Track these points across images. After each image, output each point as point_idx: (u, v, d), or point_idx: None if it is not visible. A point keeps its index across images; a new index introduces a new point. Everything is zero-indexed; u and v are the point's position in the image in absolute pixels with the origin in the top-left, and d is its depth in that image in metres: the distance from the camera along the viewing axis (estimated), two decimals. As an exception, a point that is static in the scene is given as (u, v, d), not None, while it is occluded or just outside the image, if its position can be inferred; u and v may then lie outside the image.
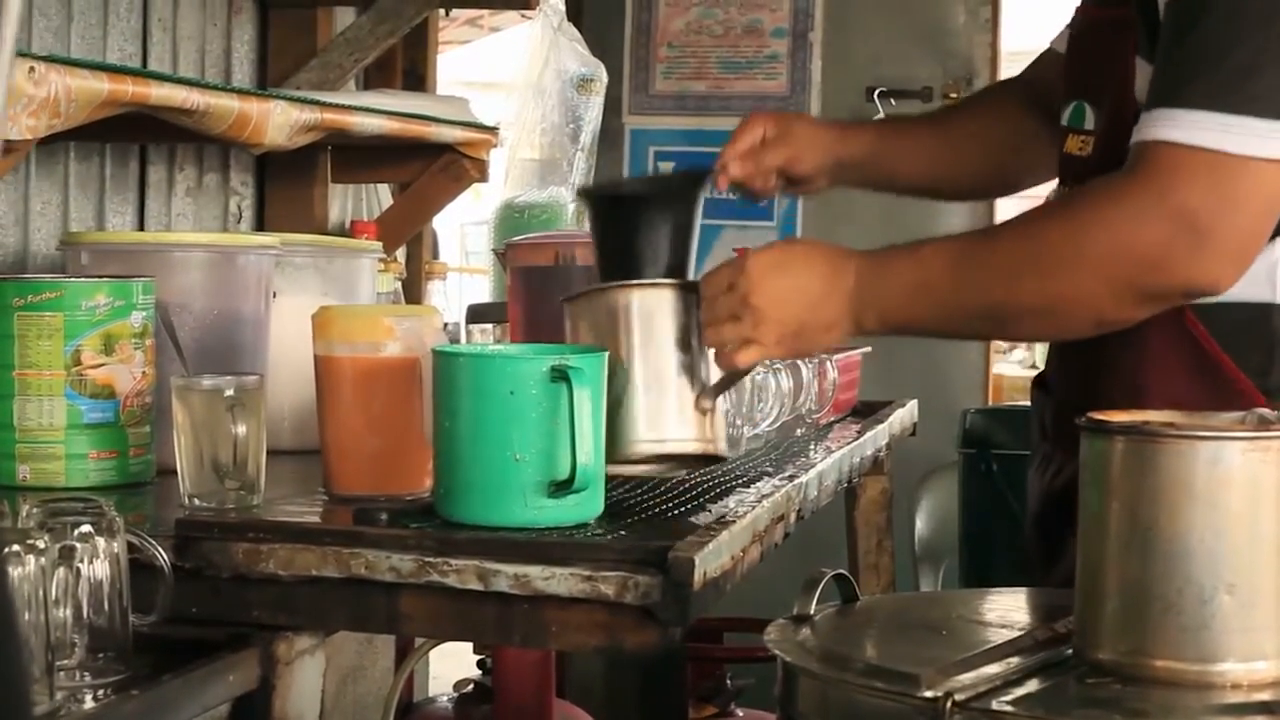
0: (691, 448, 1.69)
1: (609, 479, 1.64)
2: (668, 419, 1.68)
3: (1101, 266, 1.57)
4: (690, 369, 1.68)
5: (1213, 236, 1.54)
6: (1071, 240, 1.59)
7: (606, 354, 1.61)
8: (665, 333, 1.68)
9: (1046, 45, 2.06)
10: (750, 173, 1.96)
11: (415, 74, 3.50)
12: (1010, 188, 2.18)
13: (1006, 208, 3.02)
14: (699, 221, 1.77)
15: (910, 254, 1.66)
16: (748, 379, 2.06)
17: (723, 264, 1.68)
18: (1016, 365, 5.63)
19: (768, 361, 2.17)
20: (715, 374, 1.69)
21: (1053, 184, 2.03)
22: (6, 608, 0.83)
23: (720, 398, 1.74)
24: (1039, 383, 1.93)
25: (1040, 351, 5.38)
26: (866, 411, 2.66)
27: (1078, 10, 1.87)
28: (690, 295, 1.68)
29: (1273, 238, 1.60)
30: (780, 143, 1.97)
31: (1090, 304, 1.60)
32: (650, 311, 1.68)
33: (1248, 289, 1.61)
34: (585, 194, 1.80)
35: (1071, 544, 1.39)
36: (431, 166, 3.08)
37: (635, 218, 1.74)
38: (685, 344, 1.68)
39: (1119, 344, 1.67)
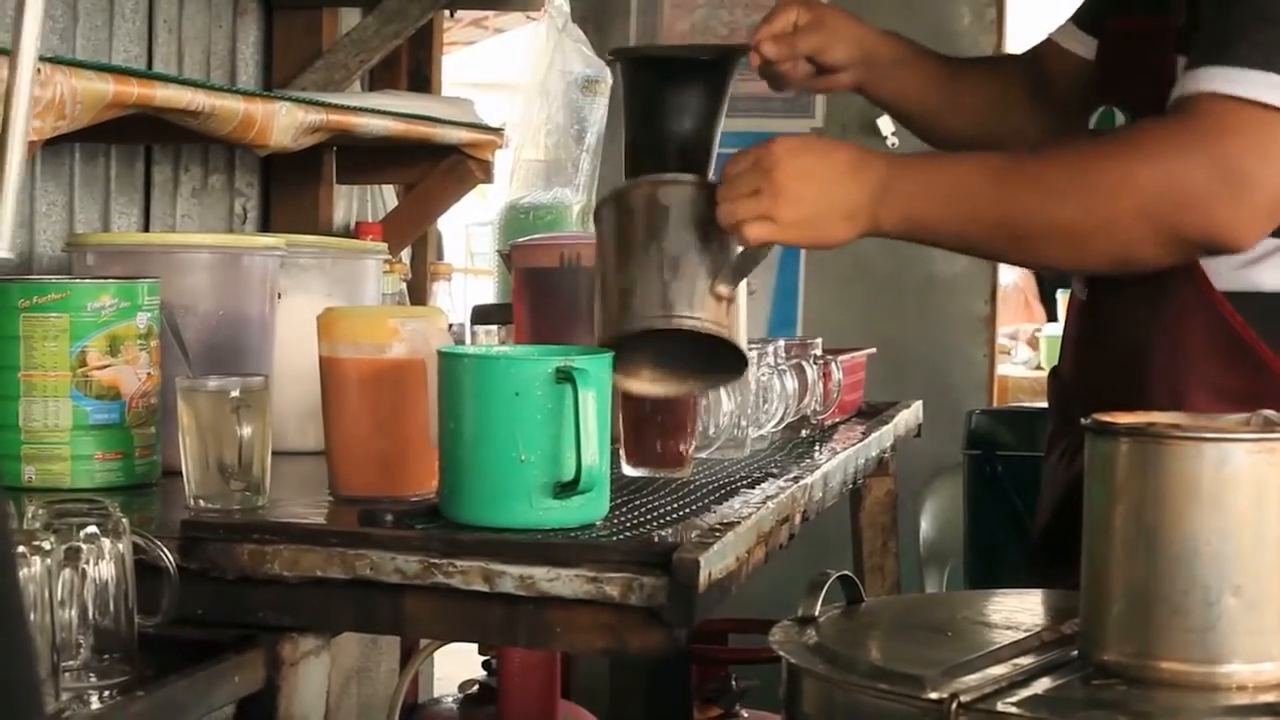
0: (707, 328, 1.66)
1: (613, 481, 1.64)
2: (682, 297, 1.66)
3: (1144, 199, 1.60)
4: (710, 258, 1.66)
5: (1250, 188, 1.58)
6: (1121, 170, 1.61)
7: (611, 355, 1.61)
8: (684, 223, 1.67)
9: (1046, 36, 2.08)
10: (783, 54, 1.96)
11: (420, 75, 3.50)
12: (988, 148, 2.19)
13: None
14: (728, 100, 1.79)
15: (948, 158, 1.71)
16: (752, 380, 2.06)
17: (749, 146, 1.67)
18: (1021, 366, 5.62)
19: (772, 362, 2.17)
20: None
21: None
22: (15, 603, 0.83)
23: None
24: (1056, 375, 1.96)
25: (1045, 352, 5.38)
26: (871, 413, 2.66)
27: (1107, 19, 1.90)
28: (713, 190, 1.67)
29: None
30: (813, 29, 1.97)
31: (1122, 235, 1.62)
32: (671, 202, 1.67)
33: (1277, 280, 1.66)
34: (618, 54, 1.81)
35: None
36: (437, 167, 3.08)
37: (667, 83, 1.74)
38: (705, 236, 1.66)
39: (1156, 332, 1.70)
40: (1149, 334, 1.72)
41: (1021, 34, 4.27)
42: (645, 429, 1.87)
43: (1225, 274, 1.69)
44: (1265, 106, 1.57)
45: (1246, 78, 1.57)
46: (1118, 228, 1.61)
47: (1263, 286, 1.66)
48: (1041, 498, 1.96)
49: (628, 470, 1.87)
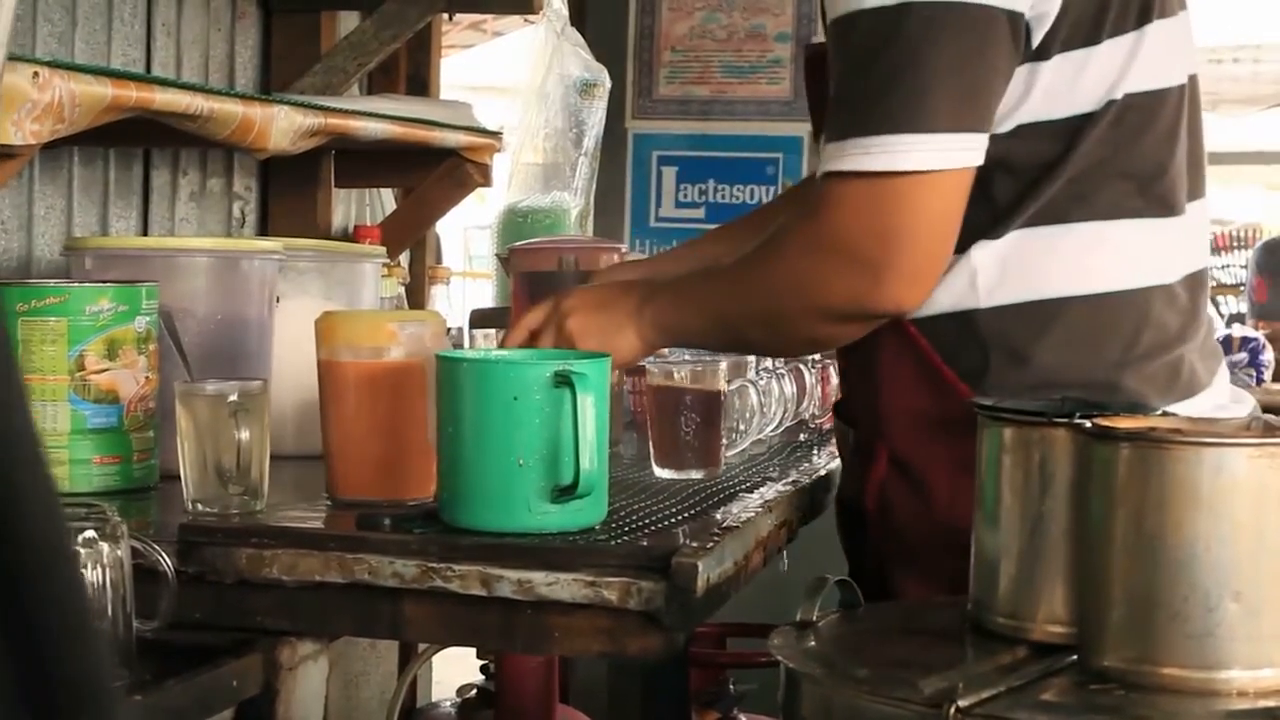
0: None
1: (611, 485, 1.64)
2: None
3: (793, 294, 1.64)
4: None
5: (882, 262, 1.57)
6: (769, 269, 1.66)
7: (610, 358, 1.61)
8: None
9: None
10: None
11: (419, 79, 3.50)
12: None
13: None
14: None
15: (693, 273, 1.80)
16: (752, 387, 2.07)
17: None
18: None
19: (771, 366, 2.17)
20: None
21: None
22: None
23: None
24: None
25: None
26: (870, 417, 2.66)
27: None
28: None
29: (967, 248, 1.62)
30: None
31: (795, 324, 1.68)
32: None
33: (951, 299, 1.64)
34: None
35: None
36: (435, 171, 3.08)
37: None
38: None
39: (863, 359, 1.73)
40: (856, 366, 1.76)
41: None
42: (675, 429, 1.87)
43: None
44: (859, 175, 1.55)
45: (843, 150, 1.57)
46: (787, 318, 1.67)
47: (940, 308, 1.65)
48: None
49: (659, 473, 1.88)
